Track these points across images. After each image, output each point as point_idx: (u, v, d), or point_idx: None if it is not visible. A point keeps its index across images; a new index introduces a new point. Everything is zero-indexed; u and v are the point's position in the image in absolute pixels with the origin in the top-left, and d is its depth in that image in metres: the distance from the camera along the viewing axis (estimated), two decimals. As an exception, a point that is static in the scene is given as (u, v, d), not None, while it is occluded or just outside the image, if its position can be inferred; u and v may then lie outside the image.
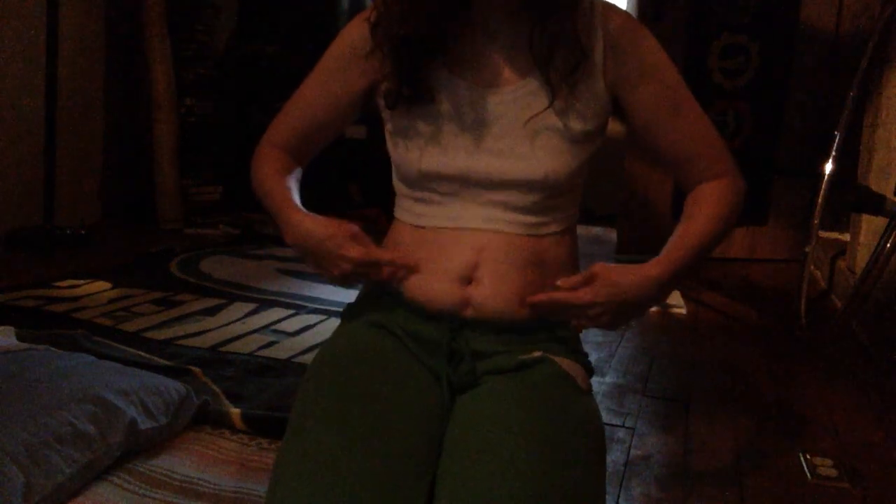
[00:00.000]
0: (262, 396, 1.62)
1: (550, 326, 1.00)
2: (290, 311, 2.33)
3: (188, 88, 3.69)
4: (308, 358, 1.88)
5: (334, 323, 1.33)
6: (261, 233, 3.47)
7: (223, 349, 1.94)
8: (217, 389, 1.63)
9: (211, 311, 2.27)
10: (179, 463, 1.32)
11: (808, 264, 2.51)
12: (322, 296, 2.51)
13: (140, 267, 2.81)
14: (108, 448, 1.25)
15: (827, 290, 2.98)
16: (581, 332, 1.08)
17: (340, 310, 1.10)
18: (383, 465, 0.81)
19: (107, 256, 2.95)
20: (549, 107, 0.97)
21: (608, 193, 3.67)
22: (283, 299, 2.46)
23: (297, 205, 1.03)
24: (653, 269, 0.95)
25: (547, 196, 0.99)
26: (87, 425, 1.23)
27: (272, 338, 2.06)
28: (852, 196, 2.44)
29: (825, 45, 3.37)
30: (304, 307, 2.38)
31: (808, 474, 1.46)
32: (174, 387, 1.45)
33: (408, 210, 1.04)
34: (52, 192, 3.14)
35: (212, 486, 1.25)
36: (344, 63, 1.06)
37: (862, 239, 2.74)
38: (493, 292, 0.97)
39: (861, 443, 1.64)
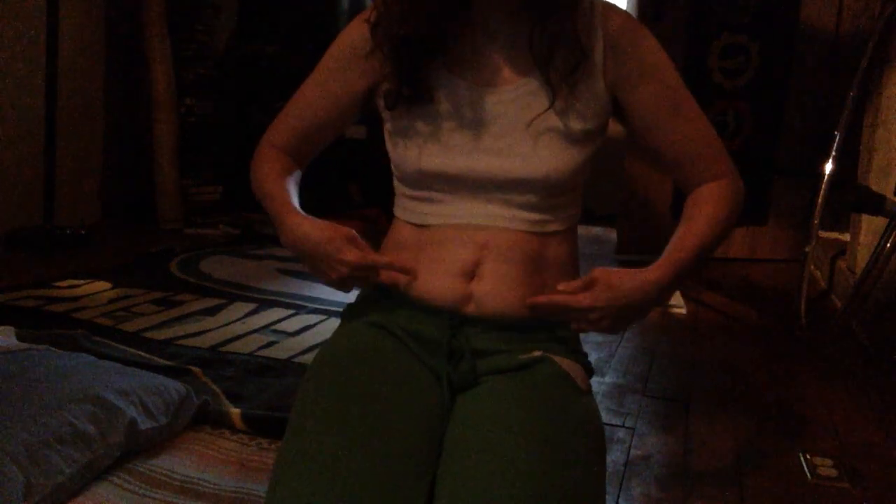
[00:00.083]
0: (262, 396, 1.62)
1: (551, 326, 1.00)
2: (290, 311, 2.33)
3: (188, 88, 3.69)
4: (308, 358, 1.88)
5: (334, 323, 1.33)
6: (261, 233, 3.46)
7: (223, 349, 1.94)
8: (217, 389, 1.63)
9: (211, 311, 2.27)
10: (179, 463, 1.32)
11: (808, 264, 2.51)
12: (322, 296, 2.51)
13: (140, 267, 2.81)
14: (108, 448, 1.25)
15: (827, 290, 2.98)
16: (582, 334, 1.08)
17: (340, 310, 1.10)
18: (383, 465, 0.81)
19: (107, 256, 2.95)
20: (549, 107, 0.97)
21: (608, 193, 3.67)
22: (283, 299, 2.46)
23: (295, 207, 1.03)
24: (652, 273, 0.95)
25: (547, 195, 0.99)
26: (87, 425, 1.23)
27: (272, 338, 2.06)
28: (852, 196, 2.44)
29: (825, 45, 3.37)
30: (304, 307, 2.38)
31: (808, 474, 1.46)
32: (174, 387, 1.45)
33: (408, 210, 1.05)
34: (52, 192, 3.14)
35: (212, 486, 1.25)
36: (344, 63, 1.06)
37: (862, 239, 2.74)
38: (494, 289, 0.97)
39: (861, 443, 1.63)
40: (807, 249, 2.52)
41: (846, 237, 3.07)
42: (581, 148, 0.99)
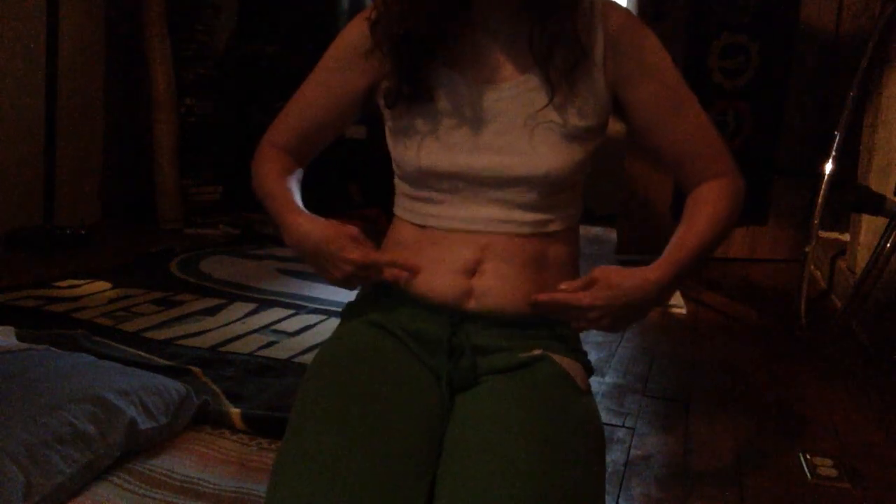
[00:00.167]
0: (262, 396, 1.62)
1: (551, 324, 1.00)
2: (290, 311, 2.33)
3: (188, 88, 3.69)
4: (308, 358, 1.88)
5: (334, 323, 1.33)
6: (261, 233, 3.46)
7: (223, 349, 1.94)
8: (217, 389, 1.63)
9: (211, 311, 2.27)
10: (179, 463, 1.32)
11: (808, 264, 2.51)
12: (322, 296, 2.51)
13: (140, 267, 2.81)
14: (108, 448, 1.25)
15: (827, 290, 2.98)
16: (582, 332, 1.08)
17: (340, 310, 1.10)
18: (383, 465, 0.81)
19: (107, 256, 2.95)
20: (548, 103, 0.97)
21: (608, 193, 3.67)
22: (283, 299, 2.46)
23: (297, 206, 1.03)
24: (653, 272, 0.95)
25: (548, 193, 0.99)
26: (87, 425, 1.23)
27: (272, 338, 2.06)
28: (852, 196, 2.44)
29: (825, 45, 3.37)
30: (304, 307, 2.38)
31: (808, 474, 1.46)
32: (174, 387, 1.45)
33: (408, 209, 1.05)
34: (52, 192, 3.14)
35: (212, 486, 1.25)
36: (344, 62, 1.06)
37: (862, 239, 2.74)
38: (495, 286, 0.97)
39: (861, 443, 1.63)
40: (807, 249, 2.52)
41: (846, 237, 3.07)
42: (581, 145, 0.99)
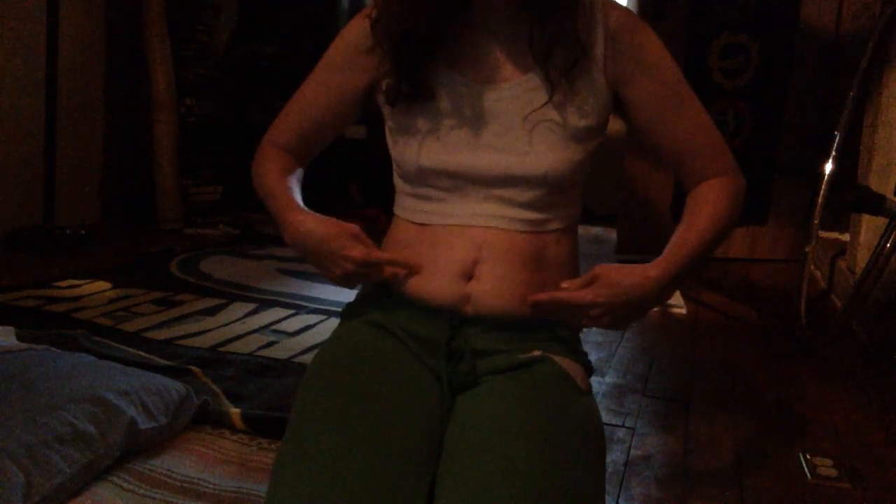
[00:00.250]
0: (262, 396, 1.62)
1: (550, 325, 1.00)
2: (290, 311, 2.33)
3: (188, 88, 3.69)
4: (308, 358, 1.88)
5: (334, 323, 1.33)
6: (261, 233, 3.47)
7: (223, 349, 1.94)
8: (217, 389, 1.63)
9: (211, 311, 2.27)
10: (179, 463, 1.32)
11: (808, 264, 2.51)
12: (322, 296, 2.51)
13: (140, 267, 2.81)
14: (108, 448, 1.25)
15: (827, 290, 2.98)
16: (582, 331, 1.08)
17: (340, 310, 1.10)
18: (383, 465, 0.81)
19: (107, 256, 2.95)
20: (548, 102, 0.97)
21: (608, 193, 3.67)
22: (283, 299, 2.46)
23: (298, 205, 1.03)
24: (654, 269, 0.95)
25: (548, 192, 0.99)
26: (87, 425, 1.23)
27: (272, 338, 2.06)
28: (852, 196, 2.44)
29: (825, 45, 3.37)
30: (304, 307, 2.38)
31: (808, 474, 1.46)
32: (174, 387, 1.45)
33: (408, 208, 1.05)
34: (52, 192, 3.14)
35: (212, 486, 1.25)
36: (344, 61, 1.06)
37: (862, 239, 2.74)
38: (493, 289, 0.97)
39: (861, 443, 1.63)
40: (807, 249, 2.52)
41: (846, 237, 3.07)
42: (581, 145, 0.99)
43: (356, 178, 4.04)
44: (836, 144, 2.50)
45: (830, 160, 2.48)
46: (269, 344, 2.01)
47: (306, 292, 2.56)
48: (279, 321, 2.22)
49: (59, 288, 2.43)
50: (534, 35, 0.97)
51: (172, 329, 2.07)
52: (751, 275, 3.28)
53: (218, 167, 3.90)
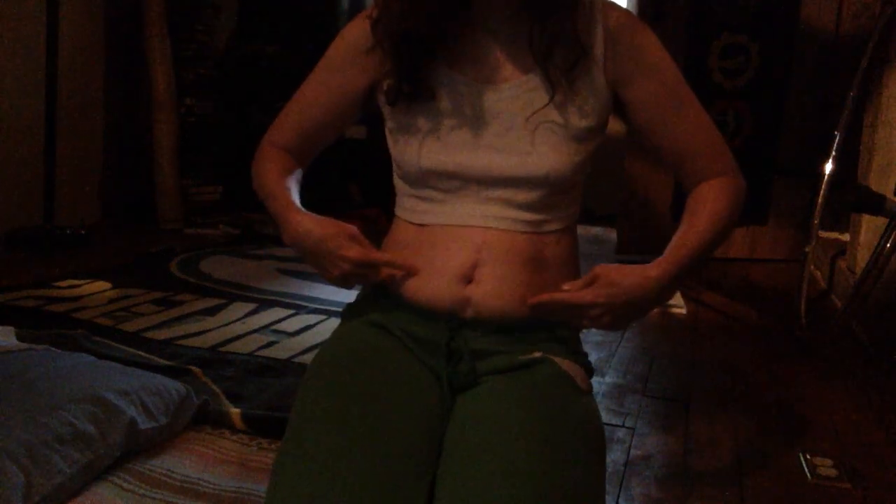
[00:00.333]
0: (262, 396, 1.62)
1: (550, 326, 1.00)
2: (290, 311, 2.33)
3: (188, 88, 3.69)
4: (308, 358, 1.88)
5: (334, 323, 1.33)
6: (261, 233, 3.47)
7: (223, 349, 1.94)
8: (217, 389, 1.63)
9: (211, 311, 2.27)
10: (179, 463, 1.32)
11: (808, 264, 2.51)
12: (322, 296, 2.51)
13: (140, 267, 2.81)
14: (108, 448, 1.25)
15: (827, 290, 2.98)
16: (582, 332, 1.08)
17: (340, 310, 1.10)
18: (383, 465, 0.81)
19: (107, 256, 2.95)
20: (549, 102, 0.97)
21: (608, 193, 3.67)
22: (283, 299, 2.46)
23: (297, 205, 1.03)
24: (654, 269, 0.95)
25: (548, 193, 0.99)
26: (87, 425, 1.23)
27: (272, 338, 2.06)
28: (852, 196, 2.44)
29: (825, 45, 3.37)
30: (304, 307, 2.38)
31: (808, 474, 1.46)
32: (174, 387, 1.45)
33: (408, 208, 1.05)
34: (52, 192, 3.14)
35: (212, 486, 1.25)
36: (345, 61, 1.06)
37: (862, 239, 2.74)
38: (492, 292, 0.97)
39: (861, 443, 1.63)
40: (807, 249, 2.52)
41: (846, 237, 3.07)
42: (582, 145, 0.99)
43: (356, 178, 4.04)
44: (836, 144, 2.51)
45: (830, 160, 2.48)
46: (269, 344, 2.01)
47: (306, 292, 2.56)
48: (279, 321, 2.22)
49: (59, 288, 2.43)
50: (534, 35, 0.97)
51: (172, 329, 2.07)
52: (751, 275, 3.28)
53: (218, 167, 3.90)
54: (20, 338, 1.75)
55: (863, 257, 2.61)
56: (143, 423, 1.33)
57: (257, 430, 1.46)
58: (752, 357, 2.22)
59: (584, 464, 0.86)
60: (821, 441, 1.63)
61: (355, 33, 1.05)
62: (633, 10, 3.49)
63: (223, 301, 2.39)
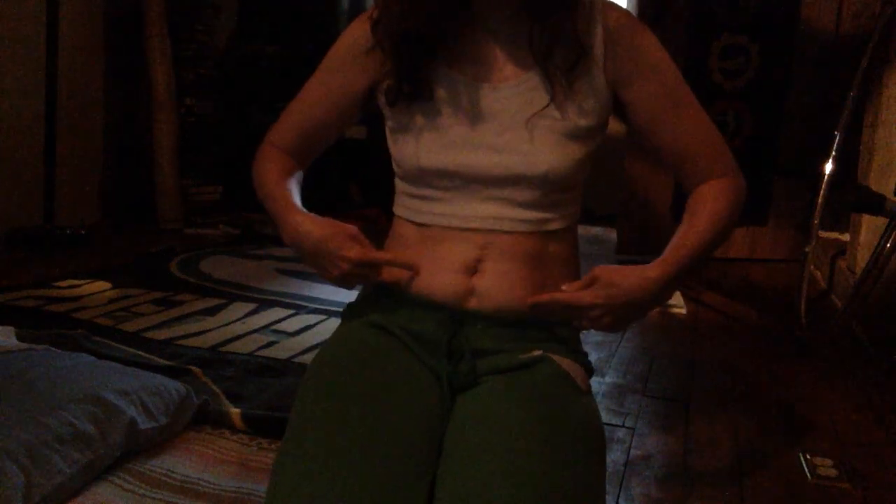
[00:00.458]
0: (262, 396, 1.62)
1: (551, 325, 1.00)
2: (290, 311, 2.33)
3: (188, 88, 3.69)
4: (308, 358, 1.88)
5: (334, 323, 1.33)
6: (261, 233, 3.47)
7: (223, 349, 1.94)
8: (217, 389, 1.63)
9: (211, 311, 2.27)
10: (179, 463, 1.32)
11: (808, 264, 2.51)
12: (322, 296, 2.51)
13: (140, 267, 2.81)
14: (108, 448, 1.25)
15: (827, 290, 2.98)
16: (582, 331, 1.08)
17: (340, 310, 1.10)
18: (383, 465, 0.81)
19: (107, 256, 2.95)
20: (549, 101, 0.97)
21: (608, 193, 3.67)
22: (283, 299, 2.46)
23: (297, 206, 1.03)
24: (654, 269, 0.95)
25: (548, 192, 0.99)
26: (87, 425, 1.23)
27: (272, 338, 2.06)
28: (852, 196, 2.44)
29: (825, 45, 3.37)
30: (304, 307, 2.38)
31: (808, 474, 1.46)
32: (174, 387, 1.45)
33: (409, 208, 1.05)
34: (52, 192, 3.14)
35: (212, 486, 1.25)
36: (346, 62, 1.06)
37: (862, 239, 2.74)
38: (496, 283, 0.98)
39: (861, 443, 1.63)
40: (807, 249, 2.52)
41: (846, 237, 3.07)
42: (581, 144, 1.00)
43: (356, 178, 4.04)
44: (836, 144, 2.50)
45: (830, 160, 2.48)
46: (269, 344, 2.01)
47: (306, 292, 2.56)
48: (279, 321, 2.22)
49: (59, 288, 2.43)
50: (534, 35, 0.97)
51: (172, 329, 2.07)
52: (751, 275, 3.28)
53: (218, 167, 3.90)
54: (20, 338, 1.75)
55: (863, 257, 2.61)
56: (143, 423, 1.33)
57: (257, 430, 1.46)
58: (752, 357, 2.22)
59: (584, 464, 0.86)
60: (821, 441, 1.63)
61: (356, 34, 1.05)
62: (633, 10, 3.49)
63: (223, 301, 2.39)
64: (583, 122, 0.99)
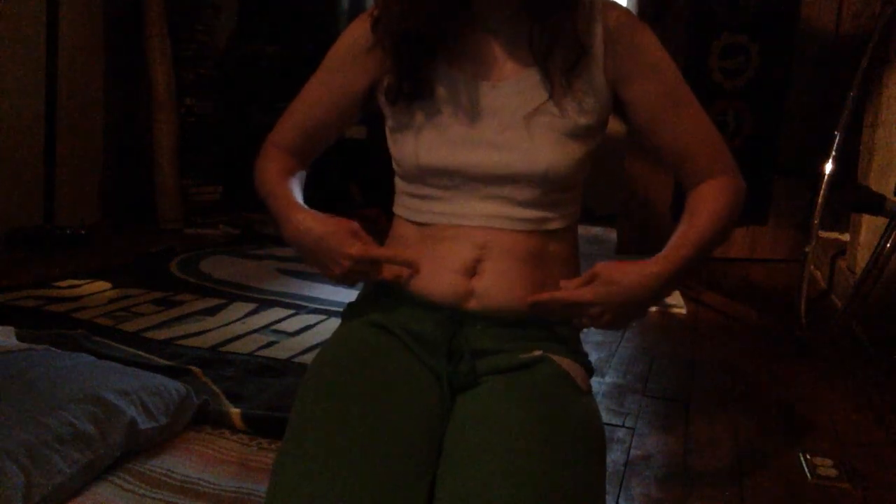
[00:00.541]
0: (262, 396, 1.62)
1: (551, 325, 1.00)
2: (290, 311, 2.33)
3: (188, 88, 3.69)
4: (308, 358, 1.88)
5: (334, 323, 1.33)
6: (261, 233, 3.47)
7: (223, 349, 1.94)
8: (217, 389, 1.63)
9: (211, 311, 2.27)
10: (179, 463, 1.32)
11: (808, 264, 2.51)
12: (322, 296, 2.51)
13: (140, 267, 2.81)
14: (108, 448, 1.25)
15: (827, 290, 2.98)
16: (582, 331, 1.08)
17: (340, 310, 1.10)
18: (383, 465, 0.81)
19: (107, 256, 2.95)
20: (549, 99, 0.97)
21: (608, 193, 3.67)
22: (283, 299, 2.46)
23: (298, 203, 1.03)
24: (654, 266, 0.94)
25: (548, 191, 0.99)
26: (87, 425, 1.23)
27: (272, 338, 2.06)
28: (852, 196, 2.44)
29: (825, 45, 3.37)
30: (304, 307, 2.38)
31: (808, 474, 1.46)
32: (174, 387, 1.45)
33: (409, 207, 1.05)
34: (52, 192, 3.14)
35: (212, 486, 1.25)
36: (346, 61, 1.07)
37: (862, 239, 2.74)
38: (496, 284, 0.97)
39: (861, 443, 1.63)
40: (807, 249, 2.52)
41: (846, 237, 3.07)
42: (581, 143, 1.00)
43: (356, 178, 4.04)
44: (836, 144, 2.50)
45: (830, 160, 2.48)
46: (269, 344, 2.01)
47: (306, 292, 2.56)
48: (279, 321, 2.22)
49: (59, 288, 2.43)
50: (534, 35, 0.97)
51: (172, 329, 2.07)
52: (751, 275, 3.28)
53: (218, 167, 3.90)
54: (20, 338, 1.75)
55: (863, 257, 2.61)
56: (143, 423, 1.33)
57: (257, 430, 1.46)
58: (752, 357, 2.22)
59: (584, 464, 0.86)
60: (821, 441, 1.63)
61: (356, 34, 1.06)
62: (634, 9, 3.49)
63: (223, 301, 2.39)
64: (582, 121, 0.99)
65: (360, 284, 1.10)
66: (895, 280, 2.22)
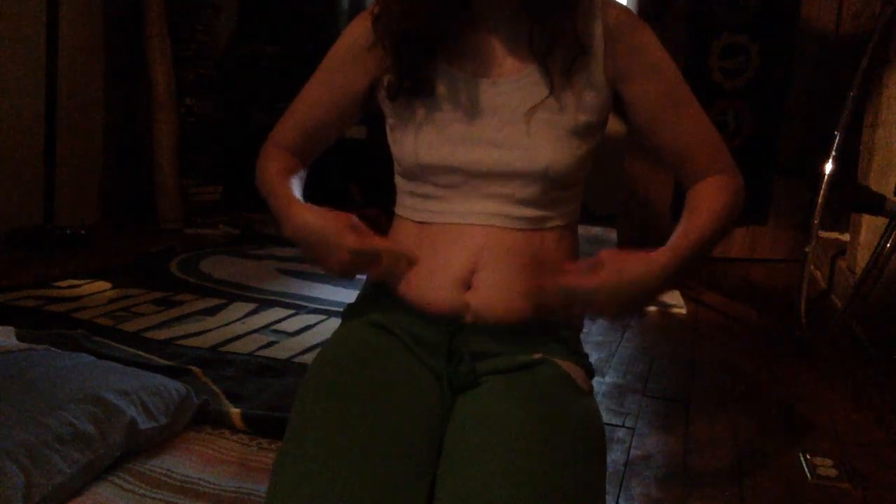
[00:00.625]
0: (262, 396, 1.62)
1: (551, 326, 1.00)
2: (290, 311, 2.33)
3: (188, 88, 3.69)
4: (308, 358, 1.88)
5: (334, 323, 1.33)
6: (261, 233, 3.47)
7: (223, 349, 1.94)
8: (217, 389, 1.63)
9: (211, 311, 2.27)
10: (179, 463, 1.32)
11: (808, 264, 2.51)
12: (322, 296, 2.51)
13: (140, 267, 2.81)
14: (108, 448, 1.25)
15: (827, 290, 2.98)
16: (583, 332, 1.08)
17: (340, 310, 1.10)
18: (383, 465, 0.81)
19: (107, 256, 2.95)
20: (548, 96, 0.97)
21: (608, 193, 3.67)
22: (283, 299, 2.46)
23: (297, 200, 1.03)
24: (661, 257, 0.93)
25: (548, 189, 0.99)
26: (87, 425, 1.23)
27: (272, 338, 2.06)
28: (852, 196, 2.44)
29: (825, 45, 3.37)
30: (304, 307, 2.38)
31: (808, 474, 1.46)
32: (174, 387, 1.45)
33: (409, 206, 1.05)
34: (52, 192, 3.14)
35: (212, 486, 1.25)
36: (347, 60, 1.07)
37: (862, 239, 2.74)
38: (491, 298, 0.97)
39: (861, 443, 1.63)
40: (807, 249, 2.52)
41: (846, 237, 3.07)
42: (581, 140, 0.99)
43: (356, 178, 4.04)
44: (836, 144, 2.50)
45: (830, 160, 2.48)
46: (269, 344, 2.01)
47: (306, 292, 2.56)
48: (279, 321, 2.22)
49: (59, 288, 2.43)
50: (534, 34, 0.97)
51: (172, 329, 2.07)
52: (751, 275, 3.28)
53: (218, 167, 3.90)
54: (20, 338, 1.75)
55: (863, 257, 2.61)
56: (143, 423, 1.33)
57: (257, 430, 1.46)
58: (752, 357, 2.22)
59: (584, 464, 0.86)
60: (821, 441, 1.63)
61: (356, 33, 1.06)
62: (634, 8, 3.49)
63: (223, 301, 2.39)
64: (583, 118, 0.99)
65: (360, 283, 1.10)
66: (895, 280, 2.22)
